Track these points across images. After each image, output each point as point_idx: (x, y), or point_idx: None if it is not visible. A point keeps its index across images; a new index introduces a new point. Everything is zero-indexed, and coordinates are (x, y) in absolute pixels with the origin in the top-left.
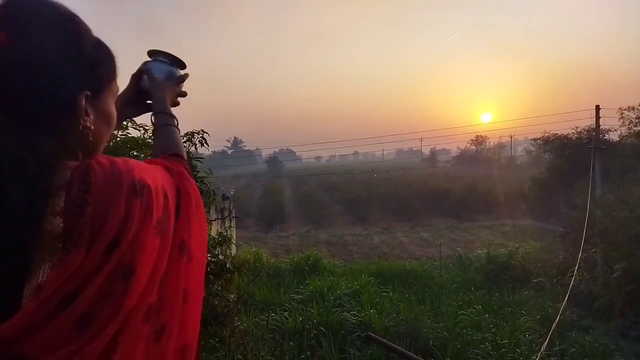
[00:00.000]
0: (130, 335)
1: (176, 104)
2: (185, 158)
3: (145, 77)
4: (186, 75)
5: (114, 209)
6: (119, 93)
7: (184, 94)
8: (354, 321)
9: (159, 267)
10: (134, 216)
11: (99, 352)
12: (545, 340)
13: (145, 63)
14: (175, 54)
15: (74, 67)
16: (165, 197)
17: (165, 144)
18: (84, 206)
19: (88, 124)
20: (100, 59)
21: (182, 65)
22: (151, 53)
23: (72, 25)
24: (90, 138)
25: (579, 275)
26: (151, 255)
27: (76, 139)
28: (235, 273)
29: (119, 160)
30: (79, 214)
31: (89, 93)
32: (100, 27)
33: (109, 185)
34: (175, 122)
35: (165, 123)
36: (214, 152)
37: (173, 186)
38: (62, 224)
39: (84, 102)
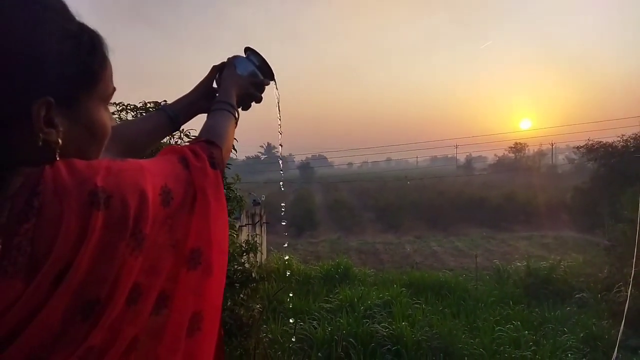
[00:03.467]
0: None
1: (247, 106)
2: (222, 145)
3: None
4: (268, 83)
5: (64, 225)
6: (113, 94)
7: (258, 99)
8: (385, 333)
9: (148, 290)
10: (92, 234)
11: None
12: None
13: (233, 57)
14: (269, 64)
15: (27, 68)
16: (167, 200)
17: (206, 128)
18: (21, 223)
19: (52, 138)
20: (75, 56)
21: (270, 75)
22: (246, 50)
23: (33, 15)
24: (58, 152)
25: (626, 292)
26: (127, 280)
27: (38, 154)
28: (262, 282)
29: (81, 163)
30: (15, 233)
31: (51, 100)
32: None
33: (59, 195)
34: (234, 112)
35: (219, 108)
36: (247, 158)
37: (185, 183)
38: (0, 246)
39: (44, 112)
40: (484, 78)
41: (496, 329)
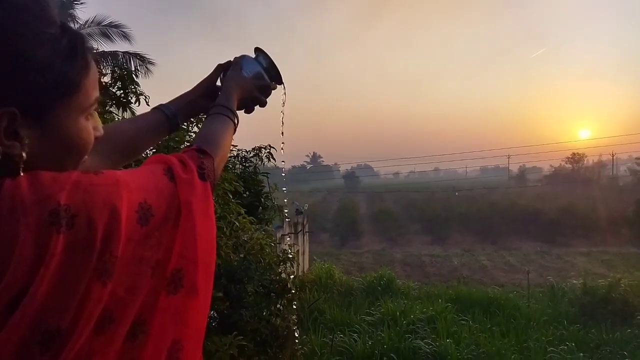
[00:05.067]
0: None
1: (250, 110)
2: (215, 154)
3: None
4: (274, 87)
5: (19, 248)
6: (95, 103)
7: (263, 103)
8: (428, 350)
9: (121, 316)
10: (51, 258)
11: None
12: None
13: (240, 56)
14: (278, 67)
15: None
16: (145, 218)
17: (201, 134)
18: None
19: (15, 151)
20: (50, 63)
21: (278, 79)
22: (256, 51)
23: (1, 19)
24: (22, 166)
25: None
26: (94, 307)
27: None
28: (299, 292)
29: (47, 176)
30: None
31: (14, 111)
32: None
33: (16, 214)
34: (234, 118)
35: (217, 112)
36: (293, 167)
37: (169, 198)
38: None
39: (5, 123)
40: (540, 86)
41: (548, 349)
